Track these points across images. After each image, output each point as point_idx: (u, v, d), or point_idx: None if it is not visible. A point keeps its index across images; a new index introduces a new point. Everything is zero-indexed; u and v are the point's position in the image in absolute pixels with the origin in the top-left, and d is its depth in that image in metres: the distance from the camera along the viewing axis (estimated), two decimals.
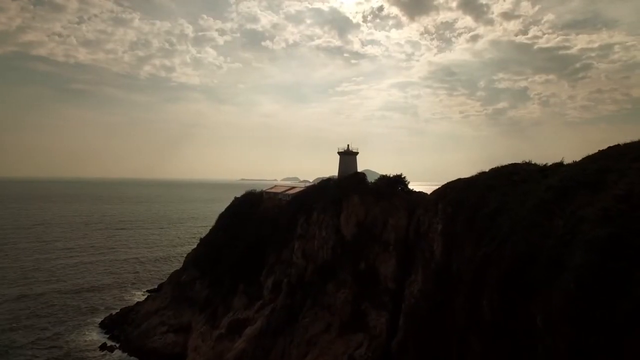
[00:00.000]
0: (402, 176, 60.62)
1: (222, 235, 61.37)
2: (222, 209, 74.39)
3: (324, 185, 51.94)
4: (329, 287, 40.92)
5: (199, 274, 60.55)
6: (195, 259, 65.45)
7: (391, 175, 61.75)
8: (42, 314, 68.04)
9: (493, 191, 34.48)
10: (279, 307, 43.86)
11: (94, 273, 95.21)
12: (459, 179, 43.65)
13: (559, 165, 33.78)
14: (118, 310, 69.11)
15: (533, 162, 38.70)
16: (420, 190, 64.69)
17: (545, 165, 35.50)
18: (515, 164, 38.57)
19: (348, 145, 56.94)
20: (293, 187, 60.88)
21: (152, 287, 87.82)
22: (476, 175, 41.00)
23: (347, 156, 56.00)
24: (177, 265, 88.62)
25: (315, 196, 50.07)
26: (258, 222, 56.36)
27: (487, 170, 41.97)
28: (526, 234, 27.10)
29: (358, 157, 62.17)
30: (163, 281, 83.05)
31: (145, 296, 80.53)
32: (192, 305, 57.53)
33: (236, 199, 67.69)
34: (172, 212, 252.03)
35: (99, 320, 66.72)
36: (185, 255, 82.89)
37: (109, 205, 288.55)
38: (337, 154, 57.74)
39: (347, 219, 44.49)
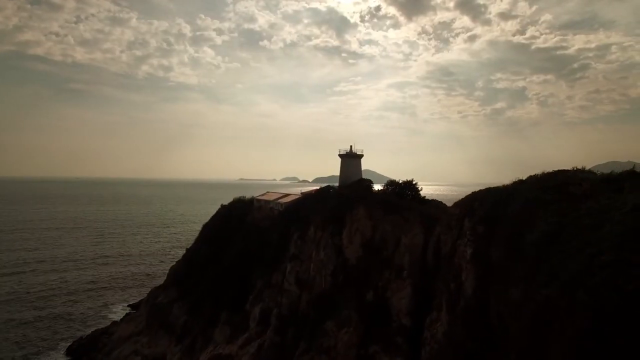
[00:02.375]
0: (414, 182, 52.56)
1: (205, 249, 53.22)
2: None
3: (322, 193, 43.72)
4: (329, 324, 32.73)
5: (178, 294, 52.42)
6: (175, 276, 57.33)
7: (400, 181, 53.65)
8: (1, 341, 59.58)
9: (544, 208, 26.26)
10: (267, 346, 35.72)
11: (69, 286, 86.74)
12: (488, 189, 35.40)
13: (633, 175, 25.61)
14: (89, 333, 60.98)
15: (587, 169, 30.59)
16: (433, 197, 56.63)
17: (610, 174, 27.34)
18: (564, 171, 30.37)
19: (351, 146, 48.66)
20: (287, 195, 52.72)
21: (134, 302, 79.86)
22: (512, 185, 32.78)
23: (350, 159, 47.69)
24: (164, 276, 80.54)
25: (313, 207, 41.90)
26: (245, 236, 48.22)
27: (524, 178, 34.04)
28: (611, 276, 18.89)
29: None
30: (145, 297, 75.10)
31: (125, 312, 72.83)
32: (168, 332, 49.44)
33: (222, 207, 59.48)
34: (168, 214, 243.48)
35: (67, 345, 58.58)
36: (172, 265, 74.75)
37: (103, 206, 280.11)
38: (338, 156, 49.43)
39: (350, 237, 36.30)
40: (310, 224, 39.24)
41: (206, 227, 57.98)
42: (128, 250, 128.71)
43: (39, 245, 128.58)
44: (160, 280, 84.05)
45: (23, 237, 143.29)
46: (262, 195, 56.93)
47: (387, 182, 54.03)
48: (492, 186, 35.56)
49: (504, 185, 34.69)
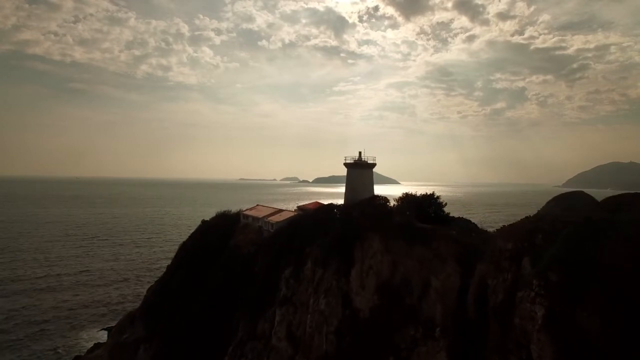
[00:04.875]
0: (435, 196, 42.82)
1: (180, 277, 43.55)
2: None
3: (323, 214, 33.97)
4: None
5: (146, 332, 42.77)
6: (146, 305, 47.65)
7: (418, 194, 43.87)
8: None
9: None
10: None
11: (39, 311, 75.41)
12: (554, 218, 25.64)
13: None
14: None
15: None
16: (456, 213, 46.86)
17: None
18: None
19: (360, 153, 38.62)
20: (279, 211, 42.98)
21: (110, 325, 70.02)
22: (599, 212, 23.27)
23: (359, 170, 37.75)
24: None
25: (311, 232, 32.14)
26: (227, 265, 38.56)
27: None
28: None
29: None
30: (127, 312, 65.03)
31: (94, 343, 63.16)
32: None
33: (203, 223, 49.74)
34: (164, 217, 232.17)
35: None
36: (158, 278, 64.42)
37: (99, 209, 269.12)
38: (343, 165, 39.51)
39: (361, 279, 26.59)
40: (307, 257, 29.57)
41: (183, 248, 48.24)
42: (116, 262, 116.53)
43: (18, 257, 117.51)
44: (137, 296, 73.74)
45: (5, 245, 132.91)
46: (251, 209, 47.29)
47: (402, 195, 44.27)
48: (558, 215, 25.95)
49: (576, 212, 25.25)
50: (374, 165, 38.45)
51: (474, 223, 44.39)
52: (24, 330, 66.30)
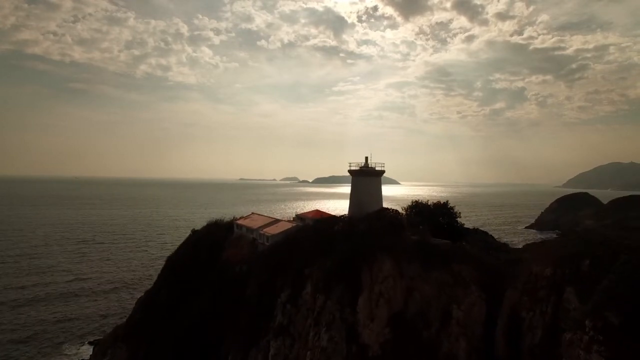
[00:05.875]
0: (449, 205, 38.73)
1: (165, 294, 39.45)
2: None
3: (325, 228, 29.78)
4: None
5: (128, 355, 38.65)
6: (131, 323, 43.53)
7: (430, 203, 39.78)
8: None
9: None
10: None
11: (24, 327, 70.70)
12: (604, 240, 21.50)
13: None
14: None
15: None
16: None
17: None
18: None
19: (367, 158, 34.27)
20: (276, 221, 38.70)
21: (98, 338, 65.71)
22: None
23: (365, 178, 33.32)
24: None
25: (311, 248, 27.99)
26: (216, 283, 34.42)
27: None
28: None
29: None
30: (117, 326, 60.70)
31: (81, 356, 59.07)
32: None
33: (193, 233, 45.58)
34: (163, 219, 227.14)
35: None
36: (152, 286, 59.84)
37: (97, 210, 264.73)
38: (347, 172, 35.19)
39: (370, 308, 22.48)
40: (306, 280, 25.48)
41: (170, 261, 44.08)
42: (111, 268, 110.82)
43: (13, 263, 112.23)
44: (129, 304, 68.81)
45: None
46: (245, 218, 43.18)
47: (412, 203, 40.17)
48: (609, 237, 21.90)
49: (627, 229, 21.17)
50: (382, 172, 34.00)
51: (490, 235, 40.39)
52: (9, 345, 62.21)
